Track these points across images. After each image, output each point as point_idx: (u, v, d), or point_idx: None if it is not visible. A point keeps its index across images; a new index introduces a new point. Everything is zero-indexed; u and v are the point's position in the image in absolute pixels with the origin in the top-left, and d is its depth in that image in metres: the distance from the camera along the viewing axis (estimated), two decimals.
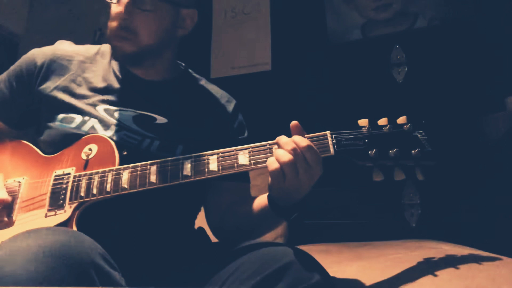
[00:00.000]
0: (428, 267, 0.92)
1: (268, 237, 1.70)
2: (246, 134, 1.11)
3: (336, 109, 1.98)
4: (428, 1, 2.01)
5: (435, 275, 0.86)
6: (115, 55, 1.01)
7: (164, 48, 1.04)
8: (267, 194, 0.88)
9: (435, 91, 1.86)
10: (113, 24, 0.97)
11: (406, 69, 1.96)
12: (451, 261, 0.92)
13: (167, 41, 1.03)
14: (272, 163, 0.78)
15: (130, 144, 0.95)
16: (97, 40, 2.59)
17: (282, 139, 0.79)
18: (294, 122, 0.82)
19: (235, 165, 0.81)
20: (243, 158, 0.81)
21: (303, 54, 2.21)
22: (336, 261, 1.18)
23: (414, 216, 1.79)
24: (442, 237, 1.37)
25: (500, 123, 1.64)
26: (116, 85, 1.03)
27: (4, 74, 1.07)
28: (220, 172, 0.82)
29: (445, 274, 0.86)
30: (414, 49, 1.97)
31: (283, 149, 0.78)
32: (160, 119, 1.01)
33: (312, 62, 2.18)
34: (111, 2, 0.98)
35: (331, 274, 0.76)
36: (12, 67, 1.06)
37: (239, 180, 1.01)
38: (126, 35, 0.96)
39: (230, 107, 1.12)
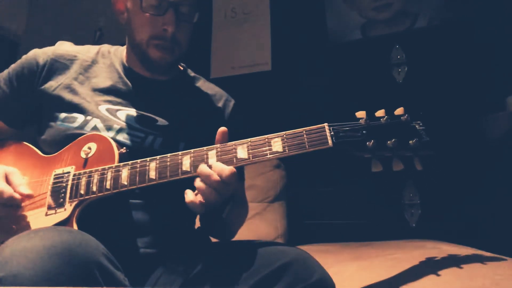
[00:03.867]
0: (428, 267, 0.93)
1: (268, 237, 1.70)
2: (242, 131, 1.13)
3: (336, 110, 1.98)
4: (428, 1, 2.01)
5: (435, 275, 0.87)
6: (148, 64, 1.01)
7: None
8: None
9: (435, 91, 1.86)
10: (156, 34, 0.97)
11: (406, 69, 1.96)
12: (451, 261, 0.92)
13: None
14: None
15: (133, 142, 0.95)
16: (97, 40, 2.59)
17: (203, 170, 0.78)
18: (222, 129, 0.83)
19: (234, 159, 0.81)
20: (242, 152, 0.81)
21: (303, 54, 2.21)
22: (336, 261, 1.18)
23: (414, 216, 1.79)
24: (442, 237, 1.37)
25: (500, 123, 1.64)
26: (119, 85, 1.03)
27: (4, 73, 1.06)
28: None
29: (445, 274, 0.86)
30: (414, 49, 1.97)
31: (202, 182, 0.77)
32: (162, 119, 1.01)
33: (312, 62, 2.18)
34: (155, 14, 0.96)
35: (331, 274, 0.76)
36: (12, 66, 1.06)
37: None
38: (172, 46, 0.98)
39: (228, 105, 1.14)
